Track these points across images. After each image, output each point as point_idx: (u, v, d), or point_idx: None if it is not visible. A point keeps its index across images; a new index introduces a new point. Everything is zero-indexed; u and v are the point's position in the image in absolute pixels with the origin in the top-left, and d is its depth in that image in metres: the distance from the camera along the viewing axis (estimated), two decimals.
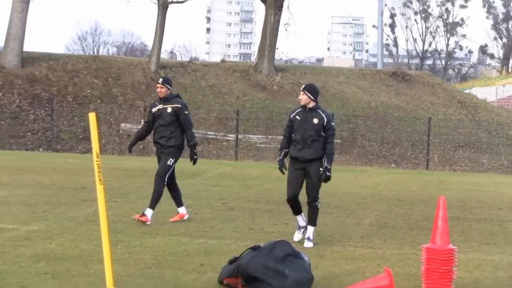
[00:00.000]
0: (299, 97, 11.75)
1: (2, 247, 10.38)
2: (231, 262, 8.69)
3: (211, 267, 9.55)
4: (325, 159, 11.57)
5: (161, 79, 13.53)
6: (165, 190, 13.52)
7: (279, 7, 45.69)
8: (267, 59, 46.25)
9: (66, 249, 10.44)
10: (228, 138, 37.01)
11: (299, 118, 11.67)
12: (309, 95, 11.59)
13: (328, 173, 11.52)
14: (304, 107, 11.69)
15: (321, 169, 11.58)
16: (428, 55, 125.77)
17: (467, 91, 68.11)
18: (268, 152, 35.29)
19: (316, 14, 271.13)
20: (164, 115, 13.26)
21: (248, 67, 47.44)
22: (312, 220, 11.84)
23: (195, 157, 13.39)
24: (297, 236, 12.06)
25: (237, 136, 35.77)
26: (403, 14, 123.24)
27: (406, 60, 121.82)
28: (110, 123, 36.55)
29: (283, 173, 11.84)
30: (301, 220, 12.00)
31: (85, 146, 34.75)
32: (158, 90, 13.40)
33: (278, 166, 11.92)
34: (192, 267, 9.61)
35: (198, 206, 15.99)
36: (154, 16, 45.05)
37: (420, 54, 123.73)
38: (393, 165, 35.83)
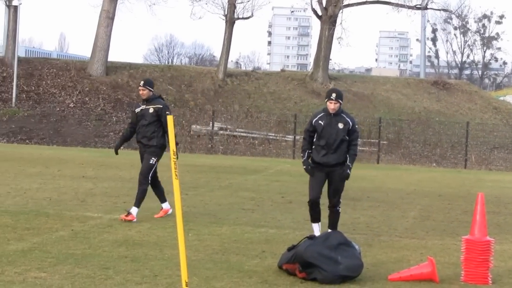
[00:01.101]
0: (332, 106, 10.27)
1: (88, 233, 10.48)
2: (289, 249, 8.64)
3: (271, 254, 9.52)
4: (348, 158, 10.39)
5: (142, 82, 12.48)
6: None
7: (333, 23, 45.50)
8: (321, 68, 46.12)
9: (144, 236, 10.50)
10: (287, 139, 36.95)
11: (322, 123, 10.34)
12: (341, 102, 10.38)
13: (348, 171, 10.38)
14: (328, 112, 10.39)
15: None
16: (466, 66, 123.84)
17: (501, 98, 66.95)
18: None
19: (366, 29, 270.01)
20: (146, 115, 12.21)
21: (305, 76, 47.33)
22: (333, 225, 10.81)
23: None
24: None
25: (294, 137, 35.70)
26: (444, 29, 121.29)
27: (446, 70, 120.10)
28: (182, 124, 36.72)
29: (313, 174, 10.53)
30: (317, 230, 10.72)
31: None
32: (140, 92, 12.44)
33: (304, 167, 10.60)
34: (255, 253, 9.58)
35: (260, 199, 15.96)
36: (222, 30, 45.44)
37: (459, 65, 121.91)
38: (434, 164, 35.37)
